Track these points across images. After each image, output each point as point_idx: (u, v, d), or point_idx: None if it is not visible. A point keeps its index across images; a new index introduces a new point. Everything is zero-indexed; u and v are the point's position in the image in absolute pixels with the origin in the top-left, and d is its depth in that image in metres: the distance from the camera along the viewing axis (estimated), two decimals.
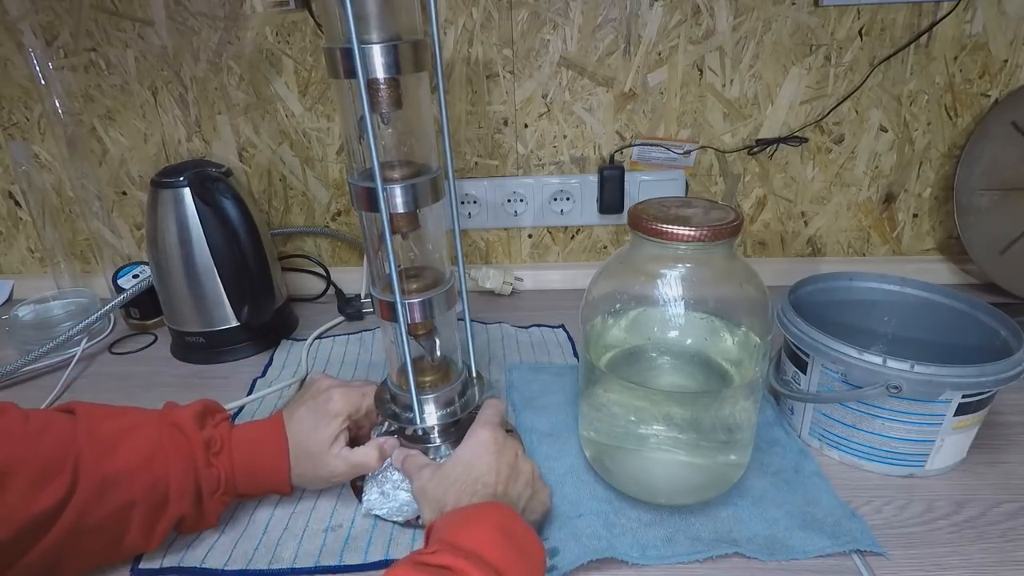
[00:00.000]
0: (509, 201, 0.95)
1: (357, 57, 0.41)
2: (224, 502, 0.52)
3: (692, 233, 0.47)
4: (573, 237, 0.99)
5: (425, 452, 0.56)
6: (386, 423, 0.59)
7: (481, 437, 0.50)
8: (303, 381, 0.77)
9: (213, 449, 0.51)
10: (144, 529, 0.48)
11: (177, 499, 0.49)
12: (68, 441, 0.45)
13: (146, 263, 0.87)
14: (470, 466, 0.48)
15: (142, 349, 0.87)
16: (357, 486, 0.58)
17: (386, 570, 0.37)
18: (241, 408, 0.71)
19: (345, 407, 0.55)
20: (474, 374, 0.61)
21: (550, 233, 0.99)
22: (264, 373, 0.79)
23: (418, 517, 0.52)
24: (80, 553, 0.46)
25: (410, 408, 0.55)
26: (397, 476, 0.54)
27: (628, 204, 0.81)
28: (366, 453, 0.54)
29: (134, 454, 0.47)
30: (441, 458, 0.55)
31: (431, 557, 0.38)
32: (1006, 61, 0.84)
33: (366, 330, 0.88)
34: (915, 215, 0.95)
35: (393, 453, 0.55)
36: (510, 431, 0.65)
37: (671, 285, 0.51)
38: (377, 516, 0.55)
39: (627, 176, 0.91)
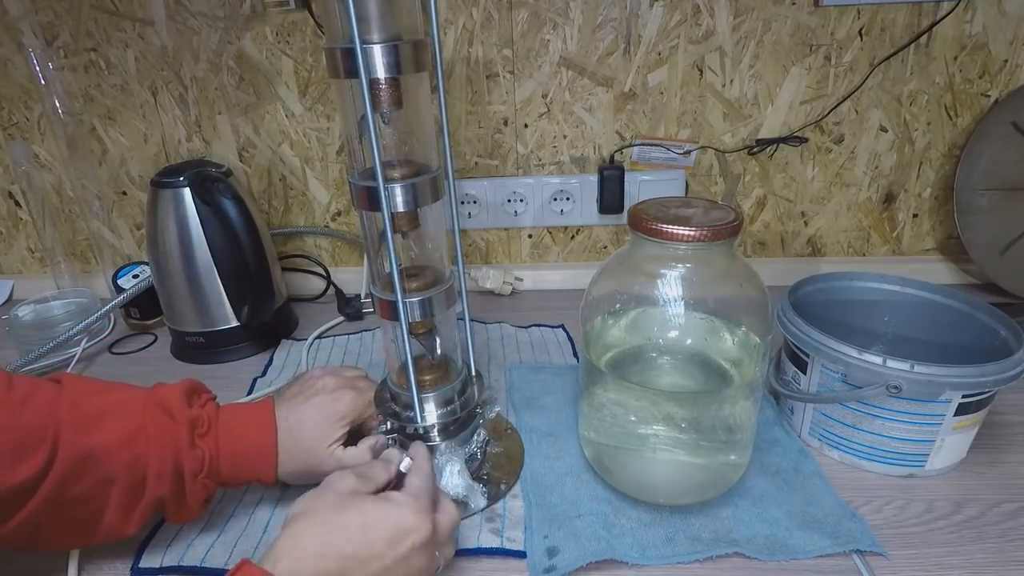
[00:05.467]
0: (509, 201, 0.95)
1: (360, 57, 0.42)
2: (207, 487, 0.50)
3: (692, 233, 0.47)
4: (573, 237, 0.99)
5: None
6: (387, 423, 0.59)
7: (404, 514, 0.42)
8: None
9: (199, 430, 0.49)
10: (123, 510, 0.47)
11: (155, 481, 0.47)
12: (50, 413, 0.44)
13: (146, 263, 0.87)
14: (365, 528, 0.40)
15: (142, 349, 0.87)
16: None
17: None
18: None
19: (352, 411, 0.55)
20: (473, 373, 0.61)
21: (550, 233, 0.99)
22: (264, 373, 0.79)
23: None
24: (60, 525, 0.46)
25: (410, 407, 0.55)
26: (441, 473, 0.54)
27: (628, 204, 0.82)
28: (357, 454, 0.54)
29: (116, 432, 0.46)
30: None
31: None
32: (1006, 61, 0.84)
33: (366, 330, 0.88)
34: (915, 215, 0.95)
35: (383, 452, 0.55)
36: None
37: (671, 285, 0.51)
38: None
39: (627, 176, 0.91)
